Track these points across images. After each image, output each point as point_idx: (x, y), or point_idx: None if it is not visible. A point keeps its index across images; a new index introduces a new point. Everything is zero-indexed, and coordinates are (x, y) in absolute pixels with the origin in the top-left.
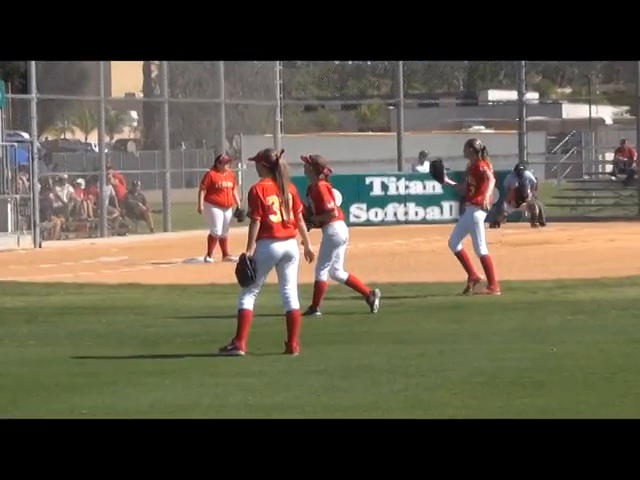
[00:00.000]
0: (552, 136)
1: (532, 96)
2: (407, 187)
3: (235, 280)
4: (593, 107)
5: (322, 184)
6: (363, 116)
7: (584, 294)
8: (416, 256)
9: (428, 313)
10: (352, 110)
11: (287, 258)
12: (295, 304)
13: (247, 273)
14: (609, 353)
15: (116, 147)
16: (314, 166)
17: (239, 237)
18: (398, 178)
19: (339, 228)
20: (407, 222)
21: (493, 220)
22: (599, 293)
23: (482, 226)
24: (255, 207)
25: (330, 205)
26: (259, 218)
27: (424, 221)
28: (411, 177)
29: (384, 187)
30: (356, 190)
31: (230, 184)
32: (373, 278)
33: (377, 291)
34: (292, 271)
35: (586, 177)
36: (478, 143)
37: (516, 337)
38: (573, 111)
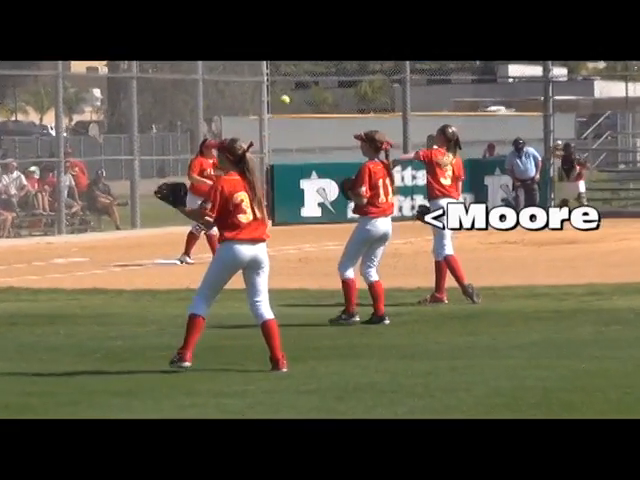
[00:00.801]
0: (583, 118)
1: (560, 72)
2: (414, 177)
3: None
4: (631, 84)
5: (369, 165)
6: (363, 95)
7: (620, 301)
8: (424, 257)
9: (438, 323)
10: (350, 88)
11: (255, 265)
12: (268, 314)
13: (175, 192)
14: None
15: (76, 130)
16: (370, 143)
17: None
18: (403, 167)
19: (378, 223)
20: (414, 218)
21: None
22: (637, 300)
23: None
24: (214, 202)
25: (361, 190)
26: (214, 215)
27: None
28: (419, 165)
29: None
30: None
31: (219, 172)
32: None
33: (387, 321)
34: (262, 281)
35: (622, 166)
36: (451, 131)
37: (540, 351)
38: (607, 89)
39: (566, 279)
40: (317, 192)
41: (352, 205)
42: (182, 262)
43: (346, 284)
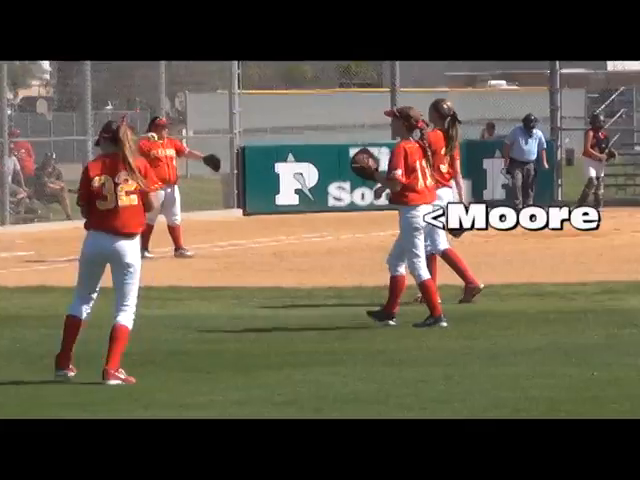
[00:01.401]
0: (594, 94)
1: None
2: None
3: (177, 283)
4: None
5: (403, 145)
6: (346, 68)
7: (635, 301)
8: None
9: (430, 326)
10: (331, 60)
11: (116, 261)
12: (124, 319)
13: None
14: None
15: (22, 107)
16: (405, 120)
17: (197, 225)
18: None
19: (419, 212)
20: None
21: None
22: None
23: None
24: (81, 189)
25: (396, 172)
26: (83, 203)
27: None
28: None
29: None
30: (336, 164)
31: (171, 152)
32: (358, 280)
33: (393, 321)
34: (126, 283)
35: (638, 148)
36: (446, 106)
37: (546, 358)
38: (621, 61)
39: (574, 276)
40: (294, 177)
41: (385, 191)
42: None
43: (424, 286)
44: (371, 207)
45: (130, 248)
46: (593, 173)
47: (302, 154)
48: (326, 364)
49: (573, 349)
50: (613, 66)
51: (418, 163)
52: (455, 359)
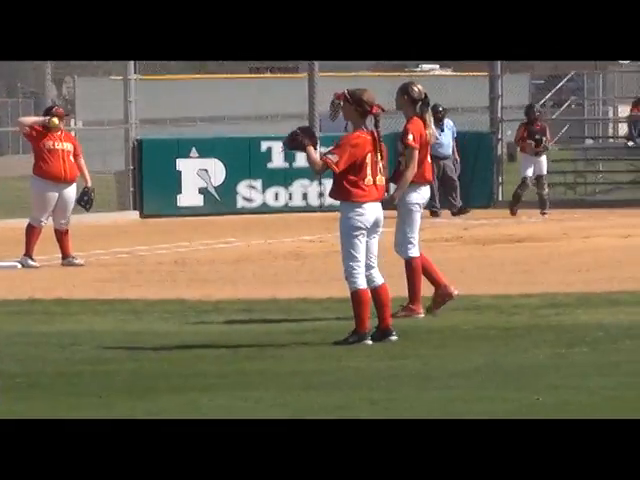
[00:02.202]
0: (539, 80)
1: None
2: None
3: (66, 295)
4: None
5: (354, 136)
6: None
7: (586, 316)
8: (336, 259)
9: (353, 344)
10: (248, 60)
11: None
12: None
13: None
14: (622, 404)
15: None
16: (357, 105)
17: (88, 229)
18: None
19: (365, 210)
20: (322, 208)
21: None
22: (607, 315)
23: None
24: None
25: (331, 158)
26: None
27: None
28: (330, 141)
29: (289, 156)
30: (246, 160)
31: (69, 147)
32: (271, 292)
33: (393, 337)
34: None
35: (590, 142)
36: (417, 89)
37: (484, 380)
38: None
39: (518, 287)
40: (198, 175)
41: (327, 189)
42: (23, 265)
43: (356, 296)
44: (285, 209)
45: None
46: (530, 172)
47: (207, 148)
48: (235, 387)
49: (515, 370)
50: None
51: (370, 157)
52: (381, 382)
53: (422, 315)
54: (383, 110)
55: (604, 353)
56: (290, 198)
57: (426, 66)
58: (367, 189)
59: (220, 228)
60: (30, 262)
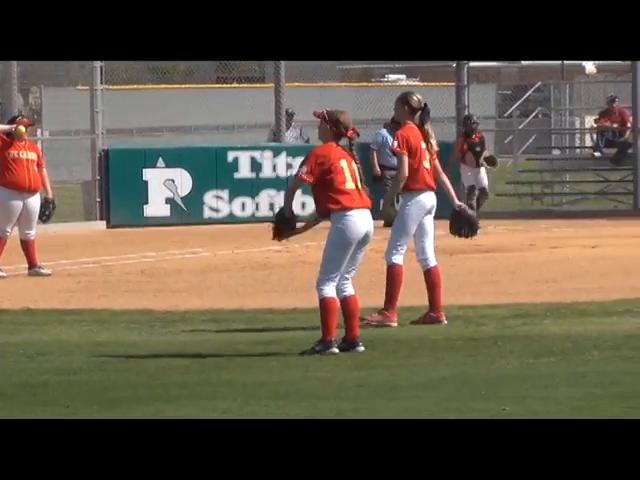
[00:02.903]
0: (506, 90)
1: None
2: (290, 166)
3: (32, 305)
4: None
5: (320, 146)
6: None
7: (553, 326)
8: (303, 269)
9: (320, 354)
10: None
11: None
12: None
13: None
14: (590, 414)
15: None
16: (333, 125)
17: (54, 239)
18: (276, 152)
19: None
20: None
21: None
22: (575, 325)
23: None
24: None
25: (301, 169)
26: None
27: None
28: (296, 150)
29: (255, 166)
30: (213, 170)
31: (33, 156)
32: (237, 302)
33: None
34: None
35: (556, 152)
36: (416, 99)
37: (451, 391)
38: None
39: (484, 298)
40: (164, 185)
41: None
42: None
43: (324, 304)
44: (252, 219)
45: None
46: (470, 182)
47: (174, 158)
48: (201, 397)
49: (482, 381)
50: None
51: (345, 162)
52: (347, 392)
53: (395, 324)
54: (358, 135)
55: (571, 363)
56: (257, 208)
57: (393, 76)
58: (350, 192)
59: (187, 238)
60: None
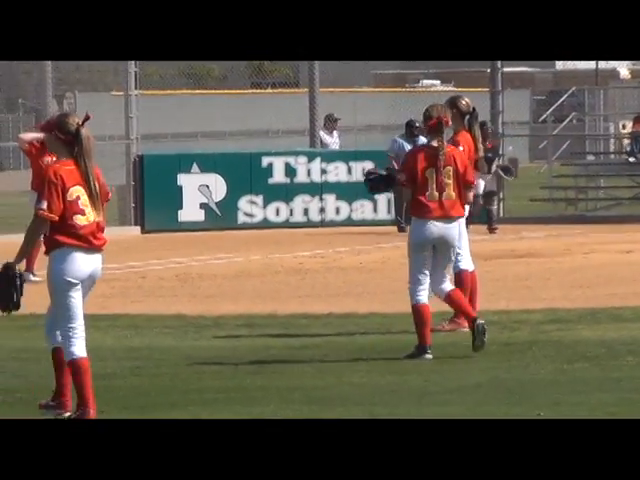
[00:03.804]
0: (540, 96)
1: None
2: (325, 171)
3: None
4: None
5: (415, 150)
6: (258, 65)
7: (588, 332)
8: (337, 274)
9: (355, 359)
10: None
11: (89, 282)
12: (80, 351)
13: (11, 293)
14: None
15: None
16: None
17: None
18: (311, 158)
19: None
20: (324, 224)
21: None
22: (610, 330)
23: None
24: (50, 198)
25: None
26: (54, 216)
27: (349, 222)
28: (330, 156)
29: (289, 171)
30: (247, 175)
31: None
32: (271, 307)
33: (480, 324)
34: (82, 303)
35: (591, 158)
36: (465, 102)
37: (486, 396)
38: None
39: (519, 303)
40: (199, 190)
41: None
42: (32, 280)
43: (416, 310)
44: (286, 224)
45: (100, 264)
46: (481, 189)
47: (208, 164)
48: (236, 402)
49: (516, 386)
50: (562, 64)
51: (431, 171)
52: (381, 397)
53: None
54: (448, 124)
55: (606, 369)
56: (291, 213)
57: (427, 81)
58: (432, 204)
59: (221, 243)
60: (31, 277)
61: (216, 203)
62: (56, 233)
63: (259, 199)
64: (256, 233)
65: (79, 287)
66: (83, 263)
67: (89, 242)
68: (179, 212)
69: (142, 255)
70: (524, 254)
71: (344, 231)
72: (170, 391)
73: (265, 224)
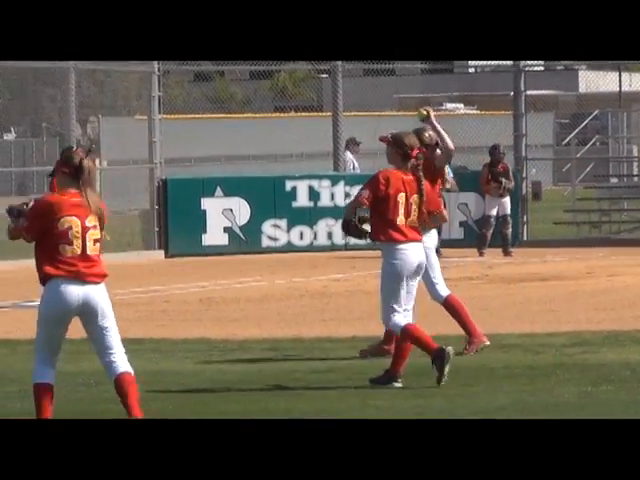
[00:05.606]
0: (564, 119)
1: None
2: (348, 195)
3: None
4: (625, 75)
5: (385, 171)
6: (282, 88)
7: (612, 354)
8: (361, 298)
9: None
10: (265, 80)
11: (90, 312)
12: (124, 366)
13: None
14: None
15: None
16: (398, 147)
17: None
18: (334, 181)
19: (408, 251)
20: (348, 247)
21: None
22: (634, 353)
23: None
24: (34, 221)
25: (362, 194)
26: (33, 235)
27: (373, 246)
28: (354, 179)
29: (313, 195)
30: (271, 199)
31: None
32: (296, 331)
33: (449, 351)
34: (108, 332)
35: (614, 180)
36: (428, 135)
37: (510, 419)
38: (595, 81)
39: (543, 326)
40: (223, 214)
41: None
42: None
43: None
44: (310, 248)
45: (102, 294)
46: (494, 212)
47: (232, 188)
48: None
49: (540, 409)
50: (586, 87)
51: (402, 197)
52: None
53: (487, 342)
54: (424, 153)
55: (630, 392)
56: (315, 237)
57: (450, 105)
58: (402, 229)
59: (245, 267)
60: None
61: (240, 227)
62: (44, 263)
63: (283, 223)
64: (280, 257)
65: (64, 320)
66: (69, 295)
67: (76, 273)
68: (203, 236)
69: (166, 279)
70: (548, 277)
71: (368, 255)
72: (194, 415)
73: (289, 248)
